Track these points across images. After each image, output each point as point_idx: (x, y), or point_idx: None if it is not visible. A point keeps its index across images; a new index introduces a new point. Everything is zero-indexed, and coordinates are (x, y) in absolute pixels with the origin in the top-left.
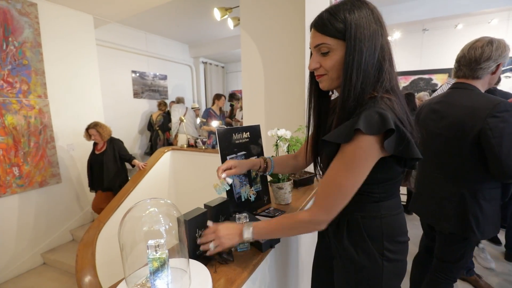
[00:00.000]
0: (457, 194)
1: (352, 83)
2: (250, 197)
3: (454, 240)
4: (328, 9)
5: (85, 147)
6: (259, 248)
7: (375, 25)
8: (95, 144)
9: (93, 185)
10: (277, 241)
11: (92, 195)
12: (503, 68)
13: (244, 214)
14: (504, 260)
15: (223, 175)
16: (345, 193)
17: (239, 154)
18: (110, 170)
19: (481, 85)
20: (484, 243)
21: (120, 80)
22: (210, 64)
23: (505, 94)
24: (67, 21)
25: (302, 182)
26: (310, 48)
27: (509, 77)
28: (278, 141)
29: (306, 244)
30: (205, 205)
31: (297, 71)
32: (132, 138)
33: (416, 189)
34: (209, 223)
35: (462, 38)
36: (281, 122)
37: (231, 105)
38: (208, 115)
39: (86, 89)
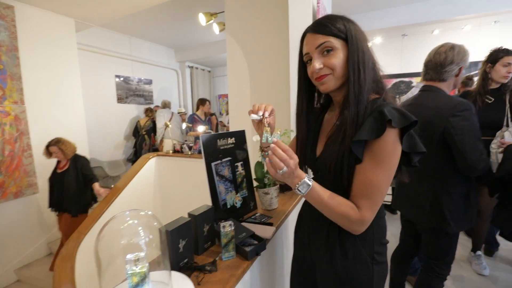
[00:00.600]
0: (431, 189)
1: (361, 77)
2: (236, 203)
3: (437, 236)
4: (323, 16)
5: None
6: (244, 256)
7: (362, 33)
8: (58, 161)
9: (52, 205)
10: (262, 248)
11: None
12: (473, 72)
13: (229, 222)
14: (483, 255)
15: (266, 117)
16: (383, 192)
17: (224, 160)
18: (71, 191)
19: (447, 87)
20: (464, 239)
21: (103, 85)
22: (197, 68)
23: None
24: (46, 24)
25: (288, 187)
26: (307, 53)
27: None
28: None
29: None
30: (189, 214)
31: (282, 75)
32: (115, 144)
33: (396, 187)
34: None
35: (438, 42)
36: None
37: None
38: (192, 120)
39: (66, 94)
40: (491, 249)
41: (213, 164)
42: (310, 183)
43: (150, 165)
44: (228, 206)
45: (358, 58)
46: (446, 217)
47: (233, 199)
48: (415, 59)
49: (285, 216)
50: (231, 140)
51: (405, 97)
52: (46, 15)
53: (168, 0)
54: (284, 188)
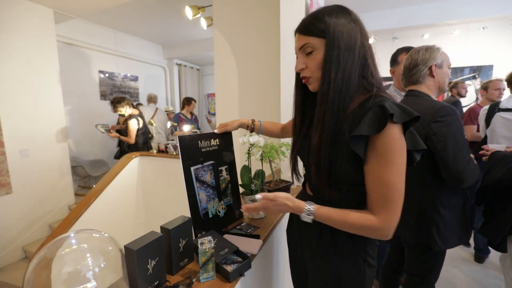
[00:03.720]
0: (416, 202)
1: (331, 75)
2: (219, 212)
3: (421, 252)
4: (310, 14)
5: (42, 153)
6: (226, 276)
7: (353, 24)
8: None
9: None
10: (247, 267)
11: (49, 207)
12: (459, 78)
13: (209, 238)
14: (474, 262)
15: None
16: (399, 190)
17: (206, 164)
18: None
19: (427, 89)
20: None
21: (85, 80)
22: (185, 66)
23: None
24: (22, 13)
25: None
26: (295, 52)
27: (469, 85)
28: (251, 148)
29: (287, 266)
30: (162, 228)
31: (271, 73)
32: (99, 142)
33: None
34: (258, 196)
35: None
36: None
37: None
38: (178, 119)
39: (44, 88)
40: (481, 255)
41: (192, 168)
42: (312, 208)
43: (133, 165)
44: (210, 216)
45: (332, 55)
46: (432, 233)
47: (216, 207)
48: None
49: (273, 227)
50: (214, 142)
51: None
52: (22, 3)
53: None
54: None
